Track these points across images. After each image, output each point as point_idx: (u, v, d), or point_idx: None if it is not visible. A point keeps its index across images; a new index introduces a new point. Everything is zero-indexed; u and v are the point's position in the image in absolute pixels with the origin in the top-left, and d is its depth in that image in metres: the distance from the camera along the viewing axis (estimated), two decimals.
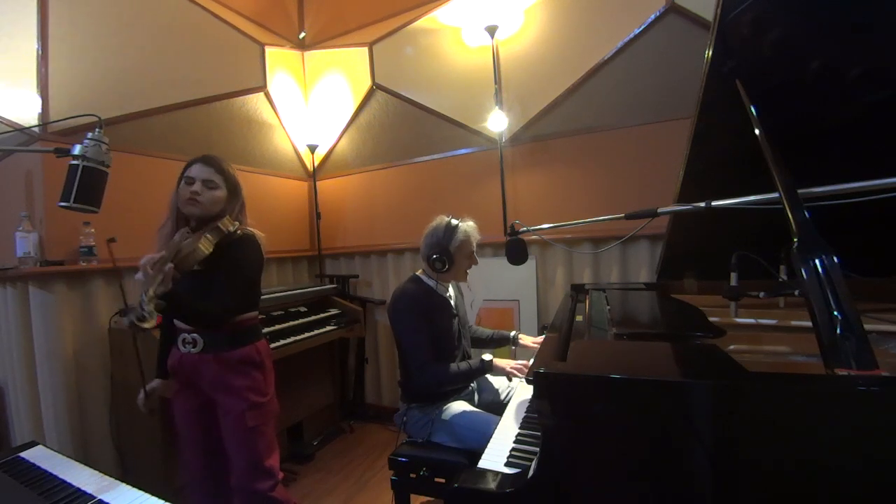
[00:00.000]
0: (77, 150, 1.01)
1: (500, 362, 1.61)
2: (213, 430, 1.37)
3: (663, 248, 1.62)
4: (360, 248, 3.11)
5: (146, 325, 1.06)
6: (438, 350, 1.62)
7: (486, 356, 1.62)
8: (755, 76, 1.01)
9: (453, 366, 1.60)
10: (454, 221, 1.65)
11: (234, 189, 1.39)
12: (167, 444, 1.79)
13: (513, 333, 1.86)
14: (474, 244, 1.69)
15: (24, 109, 1.86)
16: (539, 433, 0.84)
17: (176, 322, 1.37)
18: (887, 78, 0.98)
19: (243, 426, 1.32)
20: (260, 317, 1.50)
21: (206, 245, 1.24)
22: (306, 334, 2.35)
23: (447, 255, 1.61)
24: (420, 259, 1.71)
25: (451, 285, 1.77)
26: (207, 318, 1.26)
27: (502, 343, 1.90)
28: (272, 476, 1.38)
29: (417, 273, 1.73)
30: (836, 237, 0.71)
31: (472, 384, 1.74)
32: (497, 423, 1.27)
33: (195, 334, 1.33)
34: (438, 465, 1.47)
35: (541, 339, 1.81)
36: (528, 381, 0.82)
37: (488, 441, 1.13)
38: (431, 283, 1.69)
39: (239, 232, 1.36)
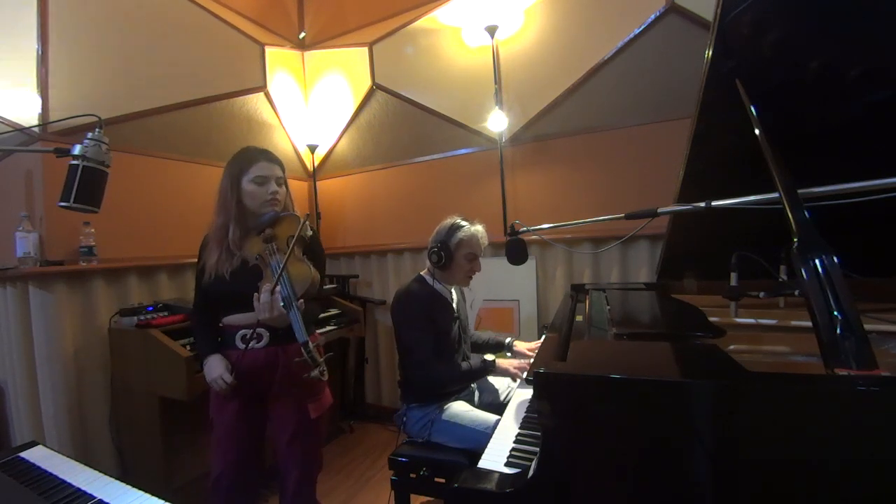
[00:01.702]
0: (77, 150, 1.01)
1: (503, 363, 1.61)
2: (260, 428, 1.38)
3: (663, 248, 1.62)
4: (360, 248, 3.11)
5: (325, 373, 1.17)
6: (439, 352, 1.62)
7: (489, 357, 1.63)
8: (755, 76, 1.01)
9: (457, 365, 1.60)
10: (461, 221, 1.66)
11: (287, 186, 1.43)
12: (167, 444, 1.79)
13: (508, 339, 1.86)
14: (478, 248, 1.68)
15: (24, 109, 1.86)
16: (539, 433, 0.84)
17: (232, 319, 1.34)
18: (887, 78, 0.98)
19: (307, 417, 1.34)
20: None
21: (310, 266, 1.28)
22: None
23: (445, 250, 1.62)
24: (423, 261, 1.72)
25: (453, 288, 1.77)
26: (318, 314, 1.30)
27: (498, 349, 1.89)
28: (321, 468, 1.43)
29: (422, 273, 1.73)
30: (836, 237, 0.71)
31: (472, 384, 1.74)
32: (497, 423, 1.27)
33: (261, 328, 1.31)
34: (438, 465, 1.47)
35: (535, 345, 1.81)
36: (528, 381, 0.82)
37: (488, 441, 1.13)
38: (434, 283, 1.69)
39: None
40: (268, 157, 1.36)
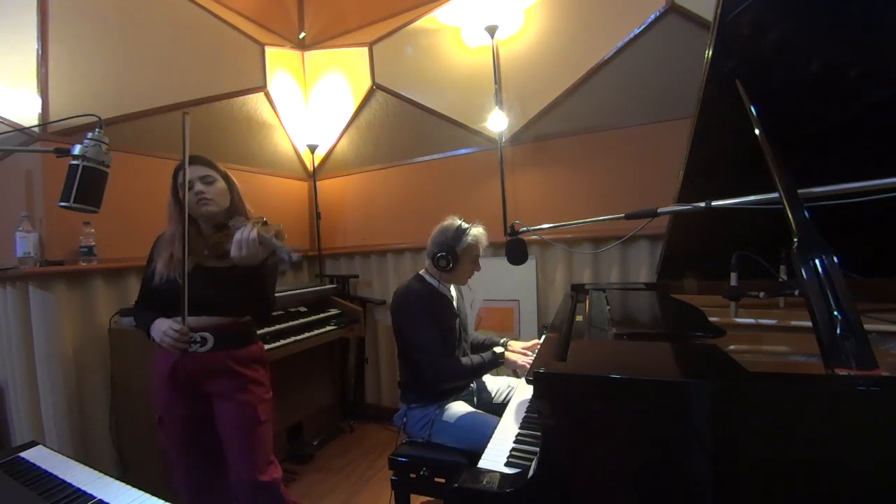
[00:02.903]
0: (77, 150, 1.01)
1: (512, 356, 1.61)
2: (206, 434, 1.36)
3: (663, 248, 1.62)
4: (360, 248, 3.11)
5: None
6: (442, 348, 1.62)
7: (498, 349, 1.63)
8: (755, 76, 1.01)
9: (465, 359, 1.60)
10: (465, 225, 1.66)
11: (226, 178, 1.42)
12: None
13: (503, 340, 1.85)
14: (481, 250, 1.69)
15: (24, 109, 1.86)
16: (539, 433, 0.84)
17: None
18: (887, 78, 0.98)
19: (257, 420, 1.34)
20: None
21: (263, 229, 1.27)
22: (306, 334, 2.35)
23: (453, 255, 1.62)
24: (425, 257, 1.72)
25: (452, 286, 1.78)
26: (268, 298, 1.33)
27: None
28: (278, 469, 1.40)
29: (420, 272, 1.73)
30: (836, 237, 0.70)
31: (472, 385, 1.74)
32: (497, 424, 1.27)
33: (205, 332, 1.31)
34: (438, 465, 1.47)
35: (530, 343, 1.80)
36: (528, 381, 0.82)
37: (488, 441, 1.13)
38: (434, 282, 1.69)
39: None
40: (191, 161, 1.33)
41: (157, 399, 1.38)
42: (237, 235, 1.20)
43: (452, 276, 1.68)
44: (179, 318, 1.26)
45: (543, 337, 1.78)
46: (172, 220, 1.35)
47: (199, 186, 1.33)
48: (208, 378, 1.33)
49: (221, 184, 1.38)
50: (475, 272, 1.73)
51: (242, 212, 1.39)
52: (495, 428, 1.23)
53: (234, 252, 1.21)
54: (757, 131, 0.91)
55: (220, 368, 1.33)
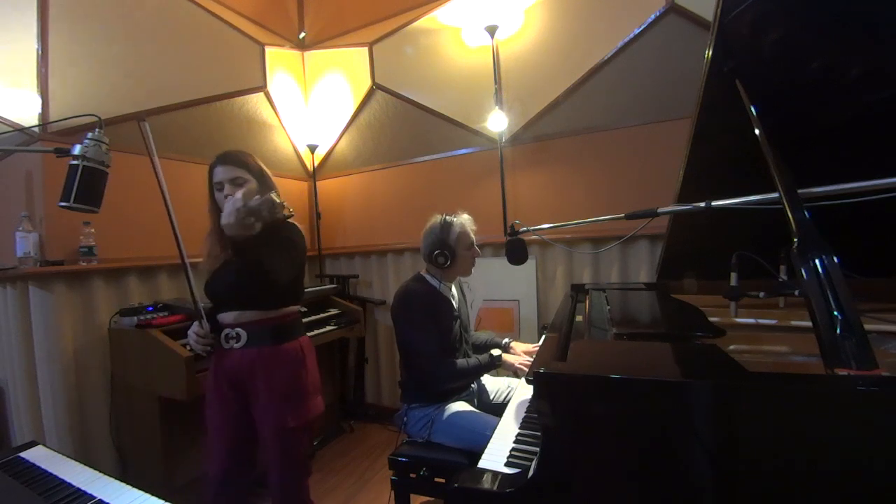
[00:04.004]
0: (77, 150, 1.01)
1: (509, 358, 1.62)
2: (247, 431, 1.35)
3: (663, 248, 1.62)
4: (360, 248, 3.11)
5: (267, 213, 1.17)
6: (442, 350, 1.62)
7: (496, 351, 1.63)
8: (755, 76, 1.01)
9: (462, 361, 1.61)
10: (448, 217, 1.68)
11: (260, 177, 1.39)
12: (167, 444, 1.79)
13: (505, 340, 1.86)
14: (472, 235, 1.70)
15: (24, 109, 1.86)
16: (539, 433, 0.84)
17: (221, 318, 1.36)
18: (888, 78, 0.98)
19: (284, 426, 1.30)
20: (302, 310, 1.50)
21: (276, 196, 1.26)
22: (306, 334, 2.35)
23: (449, 249, 1.63)
24: (422, 260, 1.72)
25: (454, 287, 1.78)
26: (262, 274, 1.22)
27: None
28: (307, 473, 1.39)
29: (421, 272, 1.73)
30: (836, 237, 0.70)
31: (472, 385, 1.74)
32: (497, 424, 1.27)
33: (239, 328, 1.31)
34: (438, 465, 1.47)
35: (532, 347, 1.80)
36: (528, 381, 0.82)
37: (488, 441, 1.13)
38: (435, 283, 1.69)
39: (290, 218, 1.39)
40: (223, 159, 1.35)
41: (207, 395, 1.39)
42: (225, 206, 1.18)
43: (454, 270, 1.69)
44: (202, 320, 1.29)
45: (543, 338, 1.78)
46: (210, 217, 1.38)
47: (227, 189, 1.32)
48: (245, 376, 1.32)
49: (252, 185, 1.35)
50: (475, 259, 1.74)
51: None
52: (495, 428, 1.23)
53: (223, 222, 1.17)
54: (757, 131, 0.91)
55: (252, 366, 1.31)
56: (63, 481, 0.86)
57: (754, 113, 0.94)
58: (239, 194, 1.17)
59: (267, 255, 1.24)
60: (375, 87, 3.03)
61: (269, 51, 2.94)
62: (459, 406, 1.59)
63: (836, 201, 0.86)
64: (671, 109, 2.15)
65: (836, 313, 0.60)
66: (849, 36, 0.97)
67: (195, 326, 1.30)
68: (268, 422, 1.32)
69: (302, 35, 3.23)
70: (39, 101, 1.86)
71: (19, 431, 1.85)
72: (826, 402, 0.58)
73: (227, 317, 1.34)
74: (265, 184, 1.40)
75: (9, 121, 1.83)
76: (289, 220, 1.40)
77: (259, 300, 1.33)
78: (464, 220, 1.69)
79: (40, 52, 1.87)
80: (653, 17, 2.22)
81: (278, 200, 1.25)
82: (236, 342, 1.32)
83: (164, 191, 1.23)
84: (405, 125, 2.96)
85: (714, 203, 0.99)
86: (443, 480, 1.45)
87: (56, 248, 1.86)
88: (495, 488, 0.79)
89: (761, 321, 1.19)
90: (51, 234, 1.85)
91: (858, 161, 0.95)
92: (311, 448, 2.51)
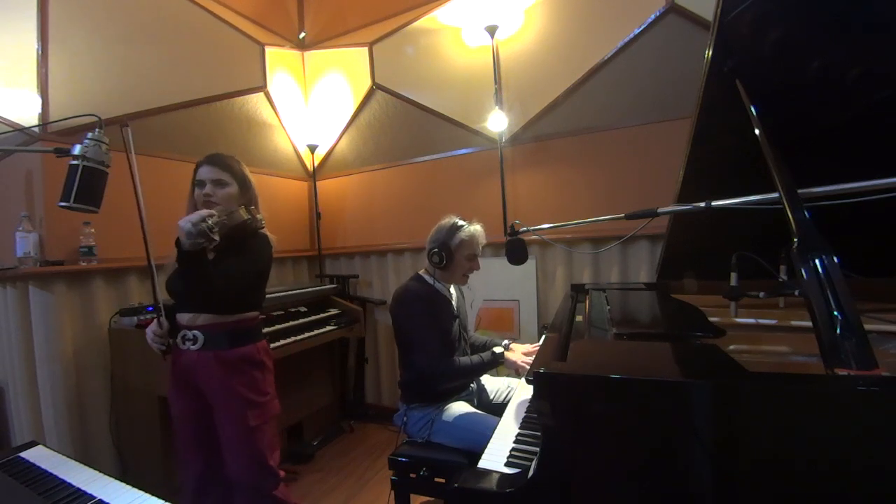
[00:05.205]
0: (77, 150, 1.01)
1: (512, 356, 1.60)
2: (212, 430, 1.36)
3: (663, 248, 1.62)
4: (360, 248, 3.11)
5: (216, 236, 1.16)
6: (442, 349, 1.62)
7: (498, 349, 1.62)
8: (755, 76, 1.01)
9: (465, 359, 1.60)
10: (460, 221, 1.67)
11: (243, 183, 1.41)
12: (167, 444, 1.79)
13: (505, 342, 1.85)
14: (478, 248, 1.69)
15: (24, 109, 1.86)
16: (539, 433, 0.84)
17: (178, 318, 1.37)
18: (888, 78, 0.98)
19: (245, 425, 1.32)
20: (261, 317, 1.50)
21: (242, 212, 1.30)
22: (306, 334, 2.35)
23: (446, 250, 1.62)
24: (423, 260, 1.72)
25: (452, 286, 1.77)
26: (212, 286, 1.23)
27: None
28: (274, 475, 1.38)
29: (420, 272, 1.73)
30: (836, 237, 0.70)
31: (472, 385, 1.74)
32: (497, 424, 1.26)
33: (196, 331, 1.33)
34: (438, 465, 1.47)
35: (533, 347, 1.79)
36: (528, 381, 0.82)
37: (488, 441, 1.13)
38: (432, 282, 1.69)
39: (261, 229, 1.41)
40: (210, 160, 1.38)
41: (169, 395, 1.41)
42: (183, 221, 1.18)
43: (448, 273, 1.68)
44: (161, 318, 1.30)
45: (543, 338, 1.77)
46: (187, 211, 1.39)
47: (208, 188, 1.34)
48: (201, 378, 1.34)
49: (233, 189, 1.38)
50: (474, 271, 1.72)
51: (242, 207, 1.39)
52: (495, 428, 1.23)
53: (179, 234, 1.17)
54: (757, 131, 0.91)
55: (208, 368, 1.32)
56: (63, 481, 0.86)
57: (754, 113, 0.94)
58: (195, 216, 1.17)
59: (218, 264, 1.26)
60: (375, 87, 3.03)
61: (269, 51, 2.94)
62: (459, 406, 1.59)
63: (836, 201, 0.86)
64: (671, 109, 2.15)
65: (836, 313, 0.60)
66: (849, 36, 0.97)
67: (153, 325, 1.31)
68: (228, 422, 1.33)
69: (302, 35, 3.23)
70: (39, 101, 1.86)
71: (19, 431, 1.85)
72: (826, 402, 0.58)
73: (183, 317, 1.36)
74: (246, 191, 1.42)
75: (9, 121, 1.83)
76: (260, 230, 1.41)
77: (212, 305, 1.34)
78: (474, 229, 1.68)
79: (40, 52, 1.87)
80: (653, 17, 2.22)
81: (246, 216, 1.28)
82: (192, 344, 1.33)
83: (138, 191, 1.25)
84: (405, 125, 2.96)
85: (714, 203, 0.99)
86: (443, 480, 1.45)
87: (56, 248, 1.86)
88: (495, 488, 0.79)
89: (761, 321, 1.19)
90: (51, 234, 1.85)
91: (858, 161, 0.95)
92: (312, 448, 2.52)
